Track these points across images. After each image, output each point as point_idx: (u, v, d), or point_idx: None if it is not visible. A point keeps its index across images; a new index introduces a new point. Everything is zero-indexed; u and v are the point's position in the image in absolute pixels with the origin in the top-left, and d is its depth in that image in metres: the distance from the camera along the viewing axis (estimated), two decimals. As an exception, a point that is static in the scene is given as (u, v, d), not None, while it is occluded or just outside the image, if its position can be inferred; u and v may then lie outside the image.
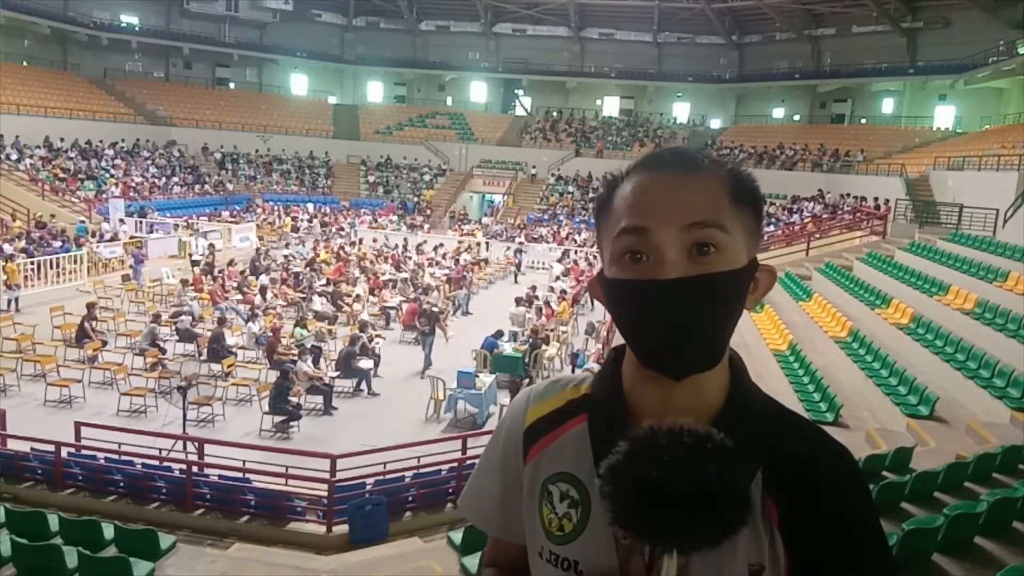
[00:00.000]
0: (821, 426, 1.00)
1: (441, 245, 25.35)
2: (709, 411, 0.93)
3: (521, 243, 26.69)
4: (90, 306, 13.77)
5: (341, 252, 22.70)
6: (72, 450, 8.70)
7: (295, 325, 14.41)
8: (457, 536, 6.90)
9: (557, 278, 21.30)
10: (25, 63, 33.42)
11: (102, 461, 8.52)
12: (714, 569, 0.88)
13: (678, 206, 0.87)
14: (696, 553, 0.80)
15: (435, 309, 15.00)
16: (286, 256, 22.35)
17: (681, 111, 42.12)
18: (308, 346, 12.86)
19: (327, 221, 29.93)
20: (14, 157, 25.87)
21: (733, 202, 0.90)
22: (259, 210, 30.19)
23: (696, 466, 0.77)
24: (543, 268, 24.72)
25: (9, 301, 15.24)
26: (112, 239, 20.90)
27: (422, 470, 8.76)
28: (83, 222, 22.41)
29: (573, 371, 13.06)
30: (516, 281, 23.12)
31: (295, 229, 27.64)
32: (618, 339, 1.02)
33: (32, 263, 16.70)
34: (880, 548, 0.92)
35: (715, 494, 0.77)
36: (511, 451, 1.07)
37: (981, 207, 17.79)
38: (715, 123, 41.02)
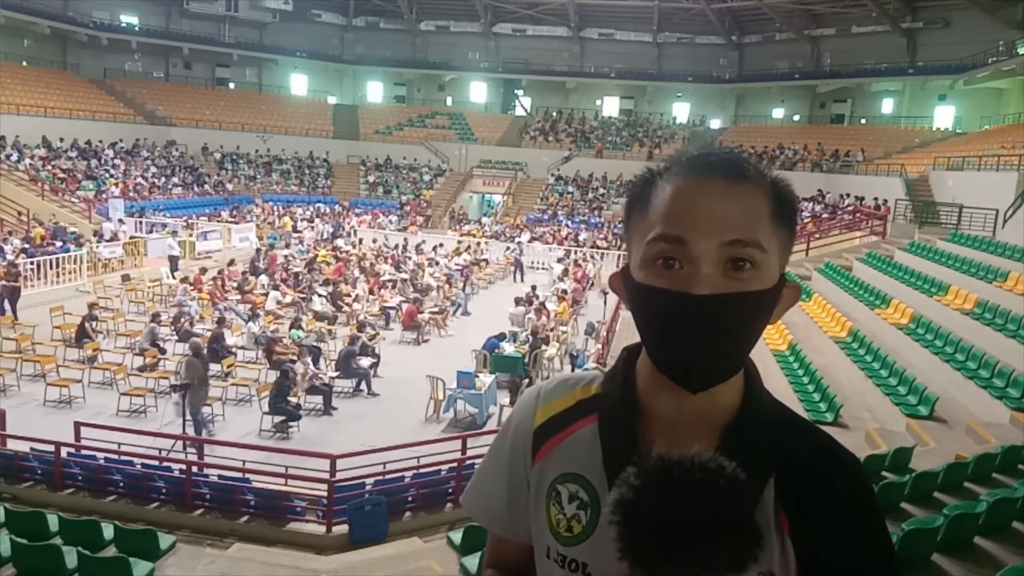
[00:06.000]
0: (823, 427, 1.01)
1: (441, 245, 25.32)
2: (722, 418, 0.93)
3: (520, 243, 26.62)
4: (91, 306, 13.77)
5: (336, 252, 22.67)
6: (72, 450, 8.71)
7: (290, 327, 14.37)
8: (457, 536, 6.90)
9: (558, 279, 21.26)
10: (25, 63, 33.36)
11: (102, 461, 8.53)
12: None
13: (720, 220, 0.85)
14: None
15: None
16: (286, 256, 22.33)
17: (681, 111, 42.06)
18: (308, 347, 12.85)
19: (326, 222, 29.87)
20: (14, 157, 25.84)
21: (773, 218, 0.89)
22: (258, 211, 30.14)
23: (709, 502, 0.76)
24: (543, 268, 24.69)
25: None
26: (112, 239, 20.89)
27: (422, 470, 8.77)
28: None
29: (573, 371, 13.04)
30: (515, 281, 23.09)
31: (295, 229, 27.63)
32: (620, 338, 1.02)
33: (32, 263, 16.69)
34: (888, 558, 0.93)
35: (728, 531, 0.76)
36: (519, 450, 1.06)
37: (981, 207, 17.77)
38: (715, 123, 40.96)
